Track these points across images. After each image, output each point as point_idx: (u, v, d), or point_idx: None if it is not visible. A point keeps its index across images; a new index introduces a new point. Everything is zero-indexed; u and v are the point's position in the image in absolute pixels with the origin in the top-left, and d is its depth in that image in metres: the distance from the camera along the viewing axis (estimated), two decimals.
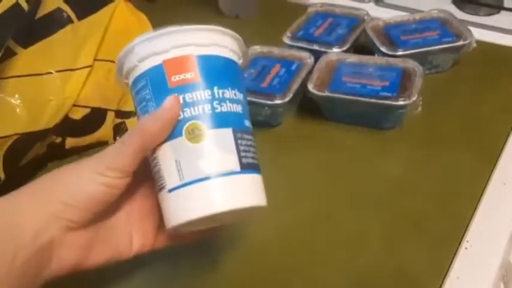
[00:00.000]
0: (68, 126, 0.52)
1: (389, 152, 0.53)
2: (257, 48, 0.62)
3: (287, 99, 0.54)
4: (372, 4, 0.78)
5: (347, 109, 0.55)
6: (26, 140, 0.48)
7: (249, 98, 0.54)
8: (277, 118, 0.56)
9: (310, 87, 0.55)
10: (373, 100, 0.52)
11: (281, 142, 0.56)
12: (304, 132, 0.56)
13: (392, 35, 0.63)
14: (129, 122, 0.58)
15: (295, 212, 0.47)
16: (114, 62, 0.56)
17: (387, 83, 0.54)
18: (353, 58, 0.59)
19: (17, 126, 0.47)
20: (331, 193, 0.49)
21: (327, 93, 0.54)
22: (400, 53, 0.59)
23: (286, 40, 0.63)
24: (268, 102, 0.54)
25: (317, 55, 0.60)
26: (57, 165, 0.52)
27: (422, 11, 0.68)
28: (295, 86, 0.55)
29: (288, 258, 0.44)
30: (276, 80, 0.57)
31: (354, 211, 0.47)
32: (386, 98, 0.52)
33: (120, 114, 0.57)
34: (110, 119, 0.56)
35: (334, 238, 0.45)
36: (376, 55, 0.61)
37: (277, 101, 0.54)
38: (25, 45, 0.48)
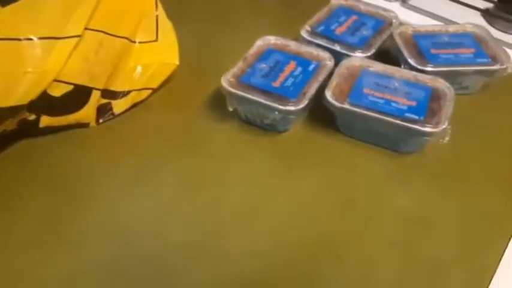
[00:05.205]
0: (45, 103, 0.44)
1: (404, 180, 0.47)
2: (271, 39, 0.55)
3: (301, 106, 0.47)
4: (397, 4, 0.72)
5: (365, 126, 0.48)
6: None
7: (258, 99, 0.48)
8: (285, 124, 0.50)
9: (328, 95, 0.48)
10: (397, 121, 0.46)
11: (286, 152, 0.49)
12: (313, 144, 0.50)
13: (421, 45, 0.56)
14: (116, 104, 0.51)
15: (294, 238, 0.42)
16: (107, 33, 0.49)
17: (414, 103, 0.48)
18: (378, 67, 0.52)
19: None
20: (335, 220, 0.43)
21: (346, 106, 0.47)
22: (429, 68, 0.53)
23: (304, 34, 0.56)
24: (280, 107, 0.47)
25: (337, 56, 0.53)
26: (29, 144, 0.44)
27: (449, 20, 0.63)
28: (311, 91, 0.49)
29: None
30: (289, 80, 0.50)
31: (359, 247, 0.42)
32: (412, 121, 0.46)
33: (107, 94, 0.50)
34: (95, 99, 0.48)
35: (338, 277, 0.39)
36: (402, 66, 0.54)
37: (290, 107, 0.47)
38: (3, 2, 0.40)
